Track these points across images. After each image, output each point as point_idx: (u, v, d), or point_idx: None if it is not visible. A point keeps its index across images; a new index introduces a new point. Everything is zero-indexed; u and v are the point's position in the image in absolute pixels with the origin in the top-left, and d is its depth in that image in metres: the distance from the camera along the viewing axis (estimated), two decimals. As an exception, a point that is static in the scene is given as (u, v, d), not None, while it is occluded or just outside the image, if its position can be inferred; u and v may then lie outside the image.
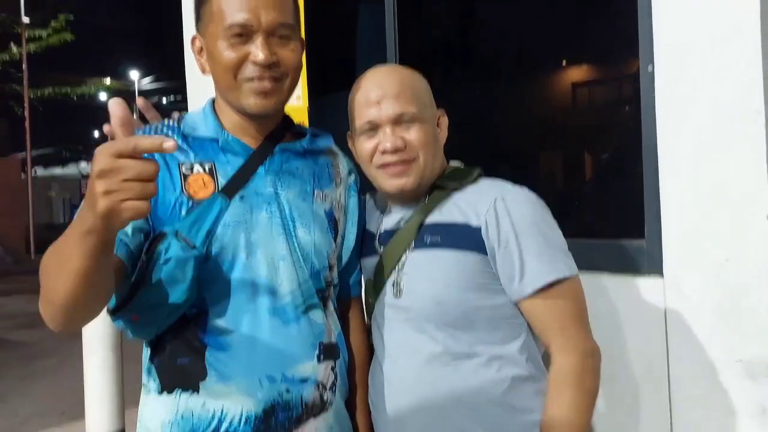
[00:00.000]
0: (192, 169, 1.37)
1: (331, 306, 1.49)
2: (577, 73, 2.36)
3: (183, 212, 1.33)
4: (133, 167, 0.95)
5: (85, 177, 23.81)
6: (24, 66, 18.38)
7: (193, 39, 1.45)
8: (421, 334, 1.43)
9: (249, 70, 1.35)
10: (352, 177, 1.60)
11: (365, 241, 1.62)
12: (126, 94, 32.31)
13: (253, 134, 1.44)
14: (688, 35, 1.68)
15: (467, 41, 2.63)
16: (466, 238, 1.42)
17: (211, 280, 1.34)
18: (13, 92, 19.50)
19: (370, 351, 1.61)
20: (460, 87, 2.51)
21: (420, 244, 1.47)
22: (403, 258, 1.48)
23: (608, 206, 2.20)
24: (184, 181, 1.36)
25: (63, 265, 1.09)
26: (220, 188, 1.36)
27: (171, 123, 1.46)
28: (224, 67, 1.35)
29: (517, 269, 1.38)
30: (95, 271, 1.09)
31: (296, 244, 1.41)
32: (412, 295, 1.44)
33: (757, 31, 1.56)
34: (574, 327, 1.41)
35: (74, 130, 36.94)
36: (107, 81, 25.18)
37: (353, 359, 1.57)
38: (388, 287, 1.49)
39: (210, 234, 1.33)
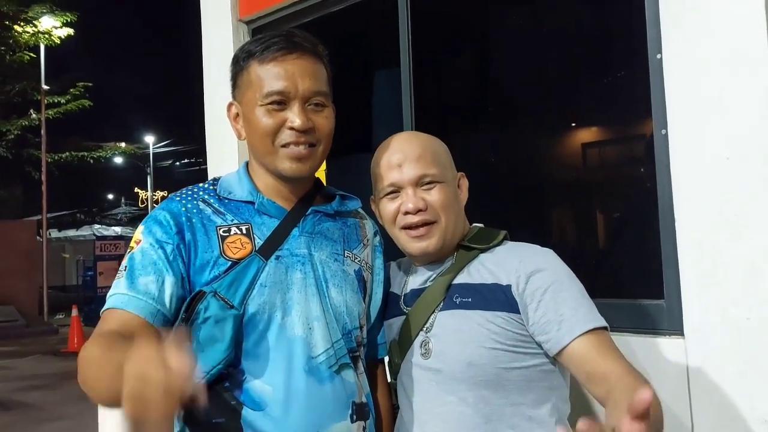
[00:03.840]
0: (229, 231, 1.41)
1: (361, 366, 1.50)
2: (588, 134, 2.40)
3: (221, 273, 1.36)
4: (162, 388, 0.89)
5: (99, 238, 23.96)
6: (42, 131, 18.78)
7: (230, 105, 1.50)
8: (452, 396, 1.41)
9: (286, 136, 1.40)
10: (377, 238, 1.65)
11: (389, 303, 1.63)
12: (141, 158, 32.85)
13: (287, 196, 1.49)
14: (699, 98, 1.71)
15: (481, 102, 2.68)
16: (496, 298, 1.42)
17: (247, 340, 1.36)
18: (31, 157, 19.87)
19: (393, 411, 1.62)
20: (473, 148, 2.56)
21: (449, 304, 1.48)
22: (432, 319, 1.48)
23: (624, 266, 2.21)
24: (222, 243, 1.39)
25: (105, 379, 1.12)
26: (256, 249, 1.40)
27: (207, 186, 1.51)
28: (262, 132, 1.40)
29: (554, 321, 1.36)
30: None
31: (329, 305, 1.44)
32: (442, 356, 1.44)
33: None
34: (628, 362, 1.32)
35: (89, 193, 37.47)
36: (122, 145, 25.61)
37: (380, 419, 1.58)
38: (416, 348, 1.49)
39: (247, 294, 1.36)
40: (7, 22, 16.78)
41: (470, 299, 1.45)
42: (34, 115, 19.56)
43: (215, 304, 1.31)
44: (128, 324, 1.29)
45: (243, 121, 1.47)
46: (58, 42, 18.30)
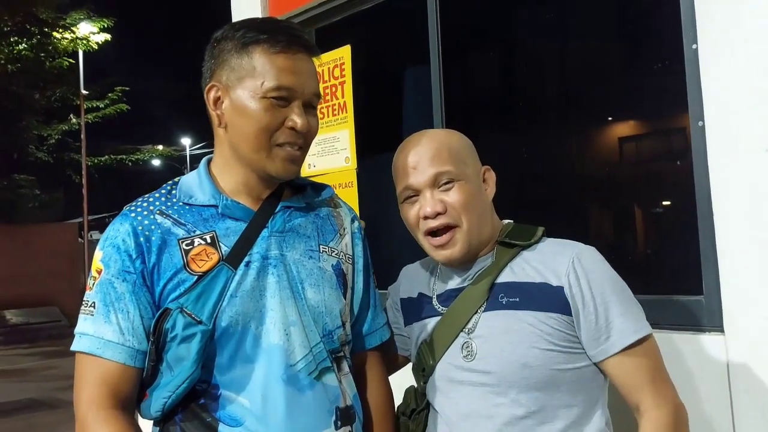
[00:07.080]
0: (193, 243, 1.32)
1: (345, 366, 1.43)
2: (623, 128, 2.36)
3: (188, 288, 1.29)
4: None
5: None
6: (82, 135, 19.20)
7: (211, 87, 1.38)
8: (502, 398, 1.37)
9: (285, 135, 1.33)
10: (356, 224, 1.56)
11: (418, 304, 1.57)
12: (178, 160, 33.30)
13: (256, 194, 1.40)
14: (736, 88, 1.67)
15: (512, 98, 2.66)
16: (547, 298, 1.38)
17: (221, 354, 1.30)
18: (72, 161, 20.32)
19: (391, 405, 1.56)
20: (507, 143, 2.53)
21: (495, 304, 1.42)
22: (474, 319, 1.43)
23: (662, 262, 2.16)
24: (186, 256, 1.31)
25: None
26: (224, 257, 1.32)
27: (164, 193, 1.41)
28: (262, 126, 1.31)
29: (603, 328, 1.35)
30: None
31: (306, 307, 1.36)
32: (491, 358, 1.39)
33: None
34: (663, 383, 1.37)
35: (128, 195, 37.94)
36: (160, 147, 26.01)
37: (369, 416, 1.50)
38: (455, 349, 1.44)
39: (217, 306, 1.28)
40: (46, 29, 17.15)
41: (518, 299, 1.40)
42: (74, 120, 20.00)
43: (181, 321, 1.25)
44: (110, 376, 1.28)
45: (230, 108, 1.35)
46: (96, 47, 18.65)
